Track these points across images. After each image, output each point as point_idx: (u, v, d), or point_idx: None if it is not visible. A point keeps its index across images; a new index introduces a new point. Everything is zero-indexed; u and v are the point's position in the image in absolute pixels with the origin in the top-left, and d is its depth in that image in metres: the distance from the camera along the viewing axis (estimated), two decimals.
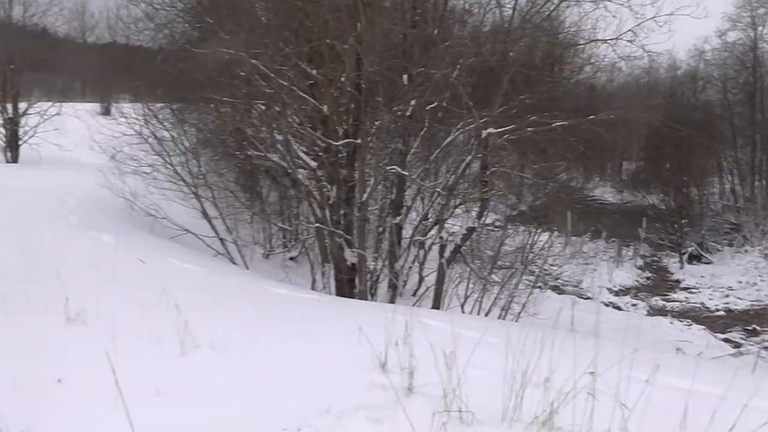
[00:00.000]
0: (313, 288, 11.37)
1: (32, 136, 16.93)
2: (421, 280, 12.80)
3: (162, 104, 12.81)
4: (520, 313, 11.79)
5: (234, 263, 11.54)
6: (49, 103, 17.31)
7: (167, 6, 11.35)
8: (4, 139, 16.87)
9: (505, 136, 10.80)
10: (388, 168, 10.25)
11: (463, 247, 11.57)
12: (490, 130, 10.50)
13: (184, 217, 11.52)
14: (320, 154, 10.06)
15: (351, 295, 10.34)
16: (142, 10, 11.11)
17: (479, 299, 11.69)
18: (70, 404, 3.36)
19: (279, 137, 10.10)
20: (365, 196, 10.15)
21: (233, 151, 12.46)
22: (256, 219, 14.63)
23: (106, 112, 30.21)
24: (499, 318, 11.38)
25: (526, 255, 12.66)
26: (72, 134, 17.51)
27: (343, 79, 9.13)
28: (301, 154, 9.89)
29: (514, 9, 10.25)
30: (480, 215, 11.53)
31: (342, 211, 10.37)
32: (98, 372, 3.65)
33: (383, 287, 12.07)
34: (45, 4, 17.54)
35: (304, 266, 13.60)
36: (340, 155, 10.22)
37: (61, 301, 4.68)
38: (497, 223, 17.26)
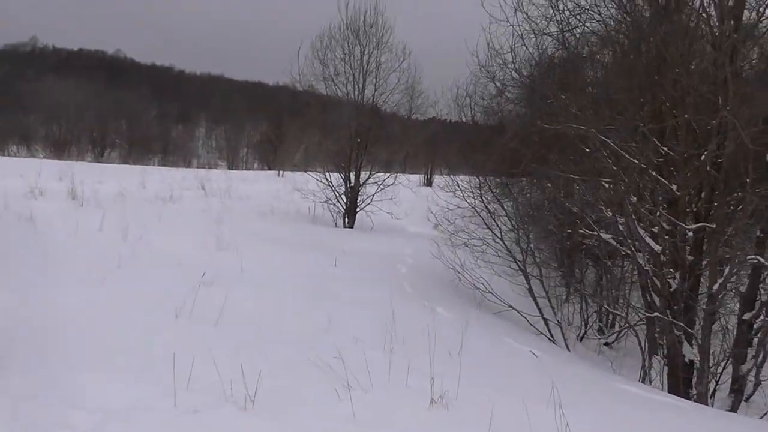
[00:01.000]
0: (642, 381, 10.36)
1: (368, 203, 18.34)
2: (757, 384, 11.04)
3: (491, 178, 12.98)
4: None
5: (554, 344, 11.02)
6: (386, 174, 18.67)
7: (518, 83, 11.48)
8: (344, 206, 18.51)
9: None
10: (747, 257, 8.98)
11: None
12: None
13: (507, 292, 11.34)
14: (665, 236, 9.18)
15: (686, 396, 9.19)
16: (497, 85, 11.35)
17: None
18: None
19: (619, 218, 9.47)
20: (716, 286, 8.98)
21: (554, 227, 12.11)
22: (571, 300, 14.03)
23: (428, 183, 32.06)
24: None
25: None
26: (403, 204, 18.63)
27: (702, 157, 8.24)
28: (646, 237, 9.09)
29: None
30: None
31: (683, 302, 9.32)
32: None
33: (721, 389, 10.61)
34: (393, 84, 19.02)
35: (620, 353, 12.67)
36: (687, 239, 9.24)
37: (423, 379, 4.55)
38: None
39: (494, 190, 12.13)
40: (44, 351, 5.15)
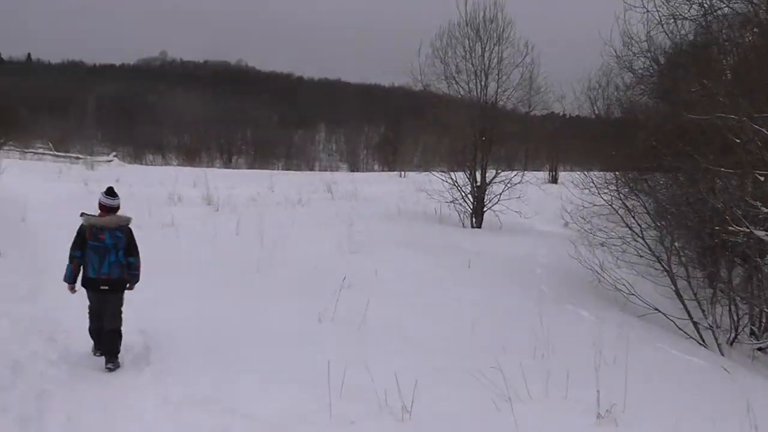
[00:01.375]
0: None
1: (496, 203, 17.92)
2: None
3: (625, 173, 12.31)
4: None
5: (706, 348, 10.29)
6: (513, 172, 18.15)
7: (655, 72, 10.85)
8: (471, 206, 18.18)
9: None
10: None
11: None
12: None
13: (651, 294, 10.69)
14: None
15: None
16: (636, 74, 10.72)
17: None
18: None
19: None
20: None
21: (695, 224, 11.31)
22: (718, 301, 13.08)
23: (554, 180, 31.09)
24: None
25: None
26: (531, 202, 18.08)
27: None
28: None
29: None
30: None
31: None
32: None
33: None
34: (516, 80, 18.49)
35: None
36: None
37: (584, 389, 4.30)
38: None
39: (630, 185, 11.46)
40: (197, 358, 5.27)
